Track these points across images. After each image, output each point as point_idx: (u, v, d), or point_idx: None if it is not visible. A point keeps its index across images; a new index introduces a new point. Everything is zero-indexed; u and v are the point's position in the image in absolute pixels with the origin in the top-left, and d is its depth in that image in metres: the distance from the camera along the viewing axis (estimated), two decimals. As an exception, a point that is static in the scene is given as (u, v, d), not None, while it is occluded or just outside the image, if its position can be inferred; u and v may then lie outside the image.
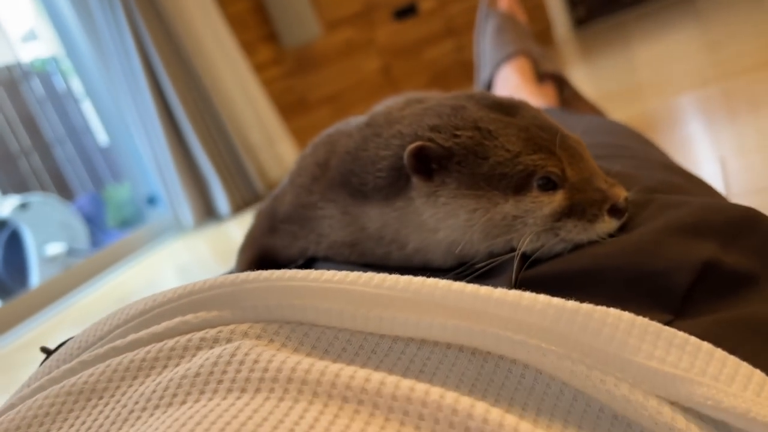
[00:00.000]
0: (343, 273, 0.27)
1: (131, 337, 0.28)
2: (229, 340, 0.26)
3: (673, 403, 0.24)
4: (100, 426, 0.24)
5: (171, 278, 1.97)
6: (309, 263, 0.46)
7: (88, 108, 2.98)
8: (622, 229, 0.36)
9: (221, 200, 2.50)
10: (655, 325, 0.25)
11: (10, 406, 0.29)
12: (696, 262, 0.31)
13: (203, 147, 2.46)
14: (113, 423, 0.24)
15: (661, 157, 0.53)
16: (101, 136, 3.06)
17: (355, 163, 0.41)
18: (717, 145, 1.17)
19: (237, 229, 2.31)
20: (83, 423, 0.25)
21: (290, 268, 0.45)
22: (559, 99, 1.32)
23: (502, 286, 0.29)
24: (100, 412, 0.25)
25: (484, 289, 0.26)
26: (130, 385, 0.26)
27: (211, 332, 0.27)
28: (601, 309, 0.25)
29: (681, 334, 0.25)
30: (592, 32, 3.94)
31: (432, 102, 0.41)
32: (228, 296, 0.28)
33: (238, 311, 0.28)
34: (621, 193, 0.36)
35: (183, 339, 0.27)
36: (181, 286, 0.30)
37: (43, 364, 0.32)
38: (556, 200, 0.35)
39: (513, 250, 0.36)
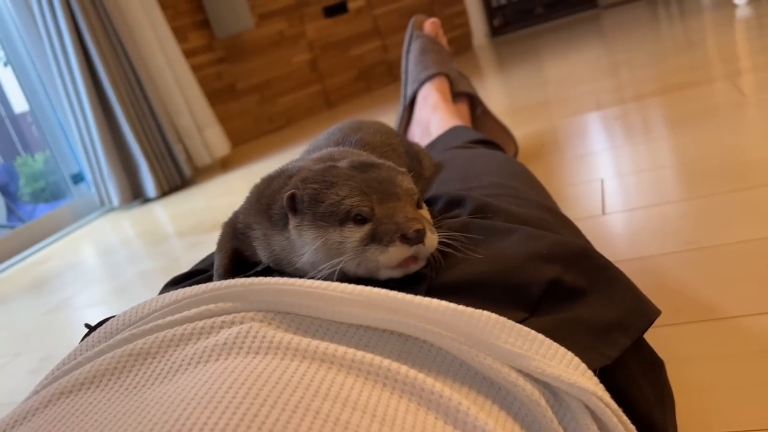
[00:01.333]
0: (318, 282, 0.41)
1: (169, 318, 0.41)
2: (242, 323, 0.40)
3: (518, 371, 0.39)
4: (159, 374, 0.37)
5: (93, 259, 2.01)
6: (268, 268, 0.60)
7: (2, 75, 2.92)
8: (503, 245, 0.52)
9: (148, 182, 2.54)
10: (510, 323, 0.40)
11: (78, 364, 0.41)
12: (546, 279, 0.47)
13: (132, 128, 2.50)
14: (168, 372, 0.37)
15: (538, 196, 0.70)
16: (15, 104, 2.99)
17: (273, 199, 0.56)
18: (602, 166, 1.36)
19: (164, 211, 2.37)
20: (144, 373, 0.38)
21: (254, 271, 0.59)
22: (471, 116, 1.49)
23: (420, 292, 0.44)
24: (156, 366, 0.38)
25: (409, 296, 0.41)
26: (175, 350, 0.39)
27: (228, 317, 0.40)
28: (478, 311, 0.40)
29: (525, 328, 0.40)
30: (506, 41, 4.19)
31: (325, 163, 0.55)
32: (239, 293, 0.42)
33: (246, 303, 0.41)
34: (413, 226, 0.48)
35: (209, 321, 0.40)
36: (203, 285, 0.43)
37: (91, 335, 0.44)
38: (364, 230, 0.50)
39: (345, 266, 0.50)
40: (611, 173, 1.30)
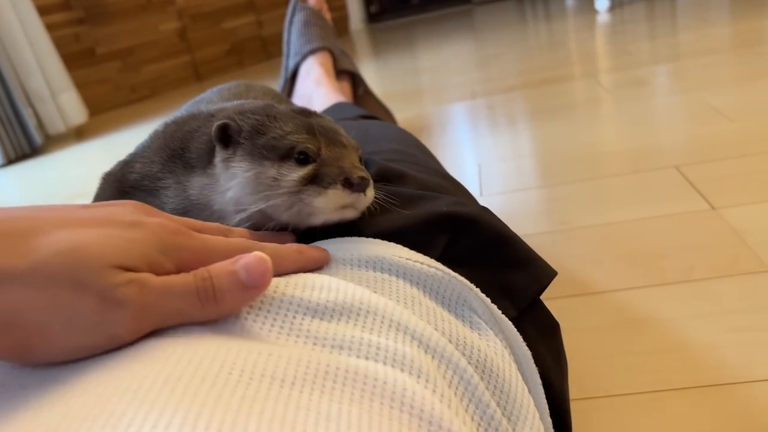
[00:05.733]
0: None
1: None
2: None
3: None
4: None
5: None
6: None
7: None
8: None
9: (-9, 149, 2.30)
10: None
11: None
12: (448, 233, 0.47)
13: (-28, 88, 2.25)
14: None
15: (436, 165, 0.71)
16: None
17: (190, 139, 0.50)
18: (478, 152, 1.41)
19: (9, 182, 2.15)
20: None
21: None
22: (353, 95, 1.48)
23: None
24: None
25: None
26: None
27: None
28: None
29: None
30: (383, 28, 4.22)
31: (262, 102, 0.51)
32: None
33: None
34: (358, 172, 0.45)
35: None
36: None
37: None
38: (306, 170, 0.45)
39: (272, 207, 0.45)
40: (487, 158, 1.34)
